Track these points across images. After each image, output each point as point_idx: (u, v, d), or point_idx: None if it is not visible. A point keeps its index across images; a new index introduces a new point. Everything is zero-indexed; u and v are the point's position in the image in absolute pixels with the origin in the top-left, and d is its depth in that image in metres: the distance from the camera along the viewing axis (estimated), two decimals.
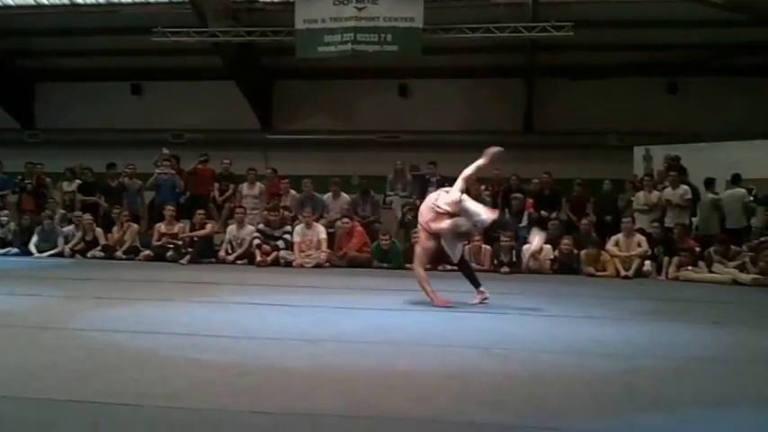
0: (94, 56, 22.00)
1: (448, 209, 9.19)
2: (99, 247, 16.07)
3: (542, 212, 16.43)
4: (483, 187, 16.06)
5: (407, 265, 14.43)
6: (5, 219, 17.21)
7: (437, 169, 17.39)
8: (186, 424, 4.39)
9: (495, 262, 14.67)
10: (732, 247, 14.32)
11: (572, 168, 18.53)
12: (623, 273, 14.08)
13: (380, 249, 15.19)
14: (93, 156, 19.44)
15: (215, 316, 8.28)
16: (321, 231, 15.35)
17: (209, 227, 16.08)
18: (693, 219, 16.26)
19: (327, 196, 17.15)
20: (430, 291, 9.32)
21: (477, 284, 9.74)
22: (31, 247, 16.28)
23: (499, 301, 9.75)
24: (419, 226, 9.46)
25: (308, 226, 15.31)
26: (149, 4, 19.61)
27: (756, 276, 13.15)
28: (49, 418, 4.41)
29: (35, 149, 21.11)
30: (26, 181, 18.19)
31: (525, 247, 14.78)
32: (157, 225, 16.26)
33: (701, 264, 13.99)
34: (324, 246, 15.21)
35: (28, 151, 20.51)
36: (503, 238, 14.69)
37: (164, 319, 8.04)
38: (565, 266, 14.55)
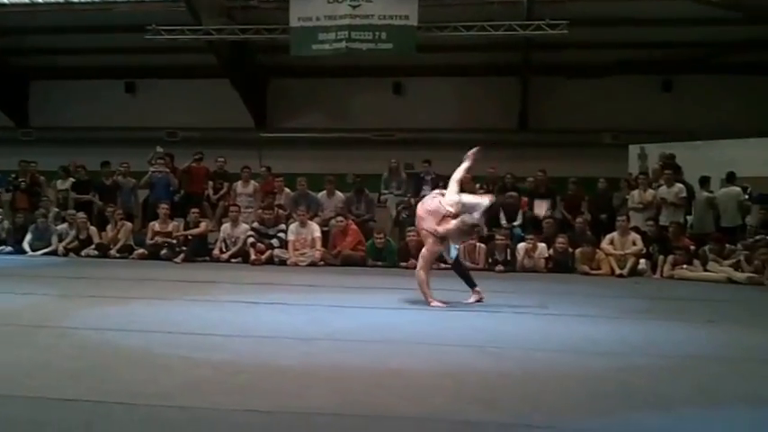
0: (88, 54, 21.95)
1: (452, 210, 9.21)
2: (93, 246, 16.04)
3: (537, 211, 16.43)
4: (478, 186, 16.05)
5: (402, 264, 14.52)
6: None
7: (432, 167, 17.41)
8: (180, 422, 4.39)
9: (490, 260, 14.67)
10: (727, 245, 14.33)
11: (567, 167, 18.54)
12: (618, 271, 14.09)
13: (375, 248, 15.18)
14: (88, 154, 19.43)
15: (209, 314, 8.27)
16: (315, 230, 15.32)
17: (203, 225, 16.05)
18: (688, 217, 16.29)
19: (322, 194, 17.13)
20: (428, 293, 9.31)
21: (472, 284, 9.74)
22: (25, 246, 16.23)
23: (494, 299, 9.74)
24: (423, 231, 9.38)
25: (303, 224, 15.29)
26: (143, 2, 19.52)
27: (751, 275, 13.15)
28: (43, 416, 4.41)
29: (29, 148, 21.09)
30: (20, 179, 18.16)
31: (520, 245, 14.83)
32: (151, 223, 16.22)
33: (696, 262, 13.99)
34: (318, 244, 15.19)
35: (22, 149, 20.51)
36: (497, 237, 14.69)
37: (158, 317, 8.04)
38: (559, 265, 14.55)
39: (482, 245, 14.70)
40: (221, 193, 17.63)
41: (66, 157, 19.29)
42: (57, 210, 17.49)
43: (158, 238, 15.76)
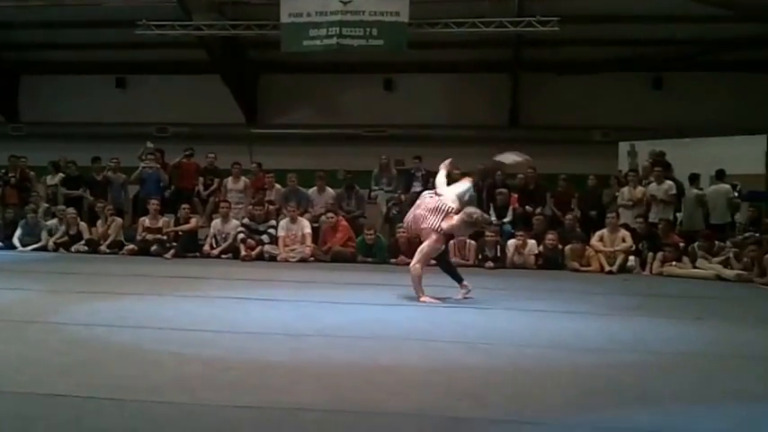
0: (79, 49, 21.91)
1: (454, 206, 9.28)
2: (83, 242, 15.99)
3: (527, 207, 16.44)
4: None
5: (392, 260, 14.52)
6: None
7: (422, 164, 17.38)
8: (169, 418, 4.39)
9: (480, 257, 14.68)
10: (716, 242, 14.37)
11: (557, 163, 18.52)
12: (607, 268, 14.12)
13: (365, 244, 15.17)
14: (78, 149, 19.39)
15: (199, 310, 8.27)
16: (306, 226, 15.32)
17: (193, 221, 16.03)
18: (678, 214, 16.32)
19: (312, 191, 17.12)
20: (420, 288, 9.32)
21: (459, 279, 9.77)
22: (15, 241, 16.17)
23: (484, 296, 9.77)
24: (425, 230, 9.38)
25: (293, 220, 15.28)
26: None
27: (740, 272, 13.19)
28: (33, 411, 4.42)
29: (19, 143, 20.98)
30: (10, 174, 18.09)
31: (510, 242, 14.84)
32: (141, 219, 16.18)
33: (686, 259, 14.03)
34: (308, 240, 15.18)
35: (12, 145, 20.40)
36: (487, 234, 14.69)
37: (148, 313, 8.04)
38: (549, 261, 14.56)
39: (472, 241, 14.69)
40: (212, 188, 17.59)
41: (57, 153, 19.26)
42: (46, 205, 17.42)
43: (148, 235, 15.72)
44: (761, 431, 4.56)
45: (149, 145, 17.92)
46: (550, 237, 14.74)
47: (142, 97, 22.63)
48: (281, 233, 15.18)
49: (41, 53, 22.68)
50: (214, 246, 15.52)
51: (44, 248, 15.95)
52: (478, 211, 9.75)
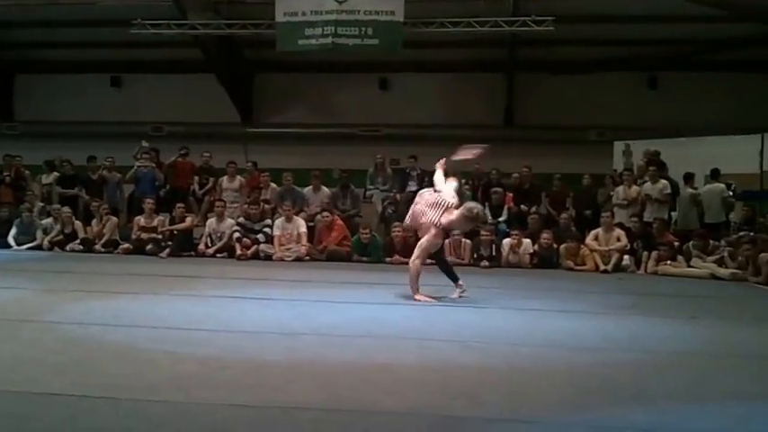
0: (74, 48, 21.90)
1: (454, 201, 9.30)
2: (78, 240, 15.98)
3: (522, 207, 16.46)
4: (463, 181, 16.07)
5: (387, 259, 14.53)
6: None
7: (417, 163, 17.39)
8: (164, 417, 4.39)
9: (475, 256, 14.67)
10: (711, 241, 14.38)
11: (552, 163, 18.56)
12: (602, 267, 14.14)
13: (360, 243, 15.18)
14: (73, 148, 19.33)
15: (194, 309, 8.27)
16: (301, 225, 15.33)
17: (188, 220, 16.04)
18: (672, 213, 16.31)
19: (308, 190, 17.11)
20: (416, 286, 9.34)
21: (455, 278, 9.78)
22: (10, 240, 16.14)
23: (479, 295, 9.78)
24: (424, 224, 9.39)
25: (288, 219, 15.28)
26: None
27: (734, 271, 13.20)
28: (27, 410, 4.41)
29: (14, 142, 20.93)
30: (5, 173, 18.05)
31: (505, 241, 14.84)
32: (137, 218, 16.18)
33: (680, 258, 14.04)
34: (304, 239, 15.19)
35: (6, 144, 20.34)
36: (483, 233, 14.69)
37: (143, 312, 8.02)
38: (544, 260, 14.58)
39: (467, 240, 14.71)
40: (207, 187, 17.58)
41: (52, 152, 19.21)
42: (42, 204, 17.41)
43: (143, 234, 15.71)
44: (755, 430, 4.56)
45: (144, 144, 17.92)
46: (545, 236, 14.76)
47: (137, 96, 22.62)
48: (276, 232, 15.19)
49: (36, 52, 22.65)
50: (209, 245, 15.51)
51: (39, 247, 15.94)
52: (479, 206, 9.88)
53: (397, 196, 16.90)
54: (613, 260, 14.21)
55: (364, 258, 14.93)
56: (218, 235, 15.53)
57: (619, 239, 14.54)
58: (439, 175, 9.88)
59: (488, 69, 21.28)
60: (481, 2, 17.78)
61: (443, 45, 19.86)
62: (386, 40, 17.55)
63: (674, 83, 20.88)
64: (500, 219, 16.26)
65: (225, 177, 17.29)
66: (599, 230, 14.80)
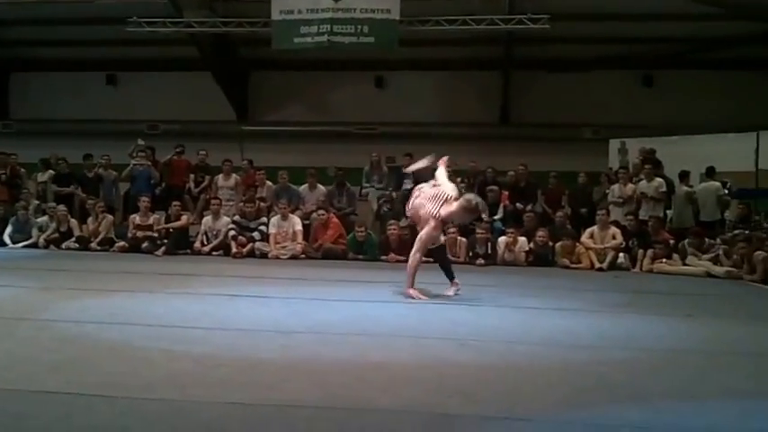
0: (70, 46, 21.88)
1: (453, 194, 9.31)
2: (73, 239, 15.96)
3: (518, 205, 16.48)
4: (459, 179, 16.07)
5: (383, 257, 14.53)
6: None
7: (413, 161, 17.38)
8: (159, 415, 4.39)
9: (471, 254, 14.67)
10: (706, 239, 14.39)
11: (548, 161, 18.56)
12: (598, 265, 14.14)
13: (356, 241, 15.17)
14: (69, 146, 19.30)
15: (190, 307, 8.26)
16: (297, 223, 15.32)
17: (184, 218, 16.02)
18: (668, 211, 16.36)
19: (303, 188, 17.13)
20: (412, 280, 9.34)
21: (451, 276, 9.80)
22: (5, 238, 16.13)
23: (474, 293, 9.78)
24: (423, 216, 9.40)
25: (284, 217, 15.27)
26: None
27: (730, 269, 13.21)
28: (23, 408, 4.40)
29: (9, 140, 20.92)
30: (0, 171, 18.03)
31: (501, 239, 14.84)
32: (132, 216, 16.16)
33: (675, 256, 14.06)
34: (299, 237, 15.18)
35: (2, 141, 20.34)
36: (478, 231, 14.70)
37: (138, 310, 8.01)
38: (540, 258, 14.58)
39: (463, 238, 14.72)
40: (202, 186, 17.57)
41: (47, 150, 19.17)
42: (37, 202, 17.39)
43: (139, 232, 15.69)
44: (751, 427, 4.56)
45: (140, 142, 17.94)
46: (541, 234, 14.76)
47: (133, 94, 22.59)
48: (272, 230, 15.18)
49: (32, 50, 22.62)
50: (205, 243, 15.50)
51: (34, 245, 15.92)
52: (478, 197, 9.89)
53: (393, 194, 16.91)
54: (609, 258, 14.22)
55: (360, 256, 14.93)
56: (214, 233, 15.51)
57: (614, 237, 14.56)
58: (441, 171, 9.89)
59: (484, 67, 21.28)
60: (477, 0, 17.80)
61: (439, 43, 19.86)
62: (382, 38, 17.56)
63: (669, 81, 20.89)
64: (496, 217, 16.26)
65: (220, 175, 17.27)
66: (594, 228, 14.81)
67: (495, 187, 16.55)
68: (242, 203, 16.10)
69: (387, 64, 21.33)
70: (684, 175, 16.42)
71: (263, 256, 14.89)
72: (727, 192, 16.61)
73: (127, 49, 21.12)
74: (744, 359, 6.37)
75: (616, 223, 15.08)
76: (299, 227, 15.24)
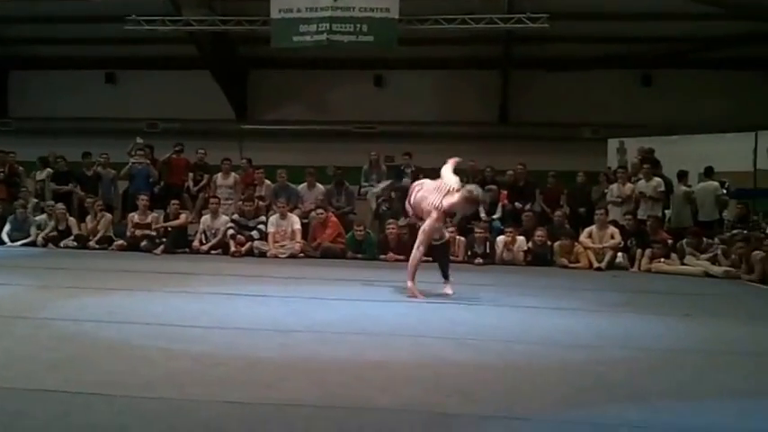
0: (69, 44, 21.89)
1: (455, 186, 9.32)
2: (72, 237, 15.96)
3: (516, 204, 16.49)
4: (458, 179, 16.06)
5: (381, 256, 14.53)
6: None
7: (412, 160, 17.40)
8: (158, 413, 4.38)
9: (469, 253, 14.68)
10: (704, 239, 14.39)
11: (546, 160, 18.58)
12: (596, 264, 14.15)
13: (355, 240, 15.17)
14: (68, 144, 19.34)
15: (188, 306, 8.25)
16: (295, 222, 15.31)
17: (183, 217, 16.01)
18: (666, 211, 16.35)
19: (302, 187, 17.13)
20: (413, 272, 9.35)
21: (446, 276, 9.80)
22: (4, 236, 16.13)
23: (473, 292, 9.79)
24: (425, 208, 9.39)
25: (283, 216, 15.27)
26: None
27: (728, 269, 13.22)
28: (21, 407, 4.39)
29: (7, 138, 20.92)
30: None
31: (499, 238, 14.84)
32: (131, 215, 16.16)
33: (674, 256, 14.07)
34: (298, 236, 15.17)
35: (0, 140, 20.35)
36: (477, 230, 14.71)
37: (137, 308, 8.00)
38: (538, 258, 14.58)
39: (461, 238, 14.74)
40: (201, 184, 17.57)
41: (46, 148, 19.19)
42: (36, 200, 17.38)
43: (137, 231, 15.68)
44: (749, 427, 4.56)
45: (139, 141, 17.93)
46: (539, 233, 14.76)
47: (132, 93, 22.61)
48: (270, 229, 15.17)
49: (30, 48, 22.64)
50: (204, 242, 15.50)
51: (33, 244, 15.92)
52: (479, 188, 9.85)
53: (392, 194, 16.88)
54: (607, 258, 14.23)
55: (358, 255, 14.93)
56: (213, 232, 15.51)
57: (613, 237, 14.56)
58: (447, 167, 9.86)
59: (483, 66, 21.29)
60: None
61: (438, 42, 19.86)
62: (381, 36, 17.56)
63: (668, 80, 20.91)
64: (494, 216, 16.26)
65: (219, 174, 17.28)
66: (593, 228, 14.81)
67: (493, 186, 16.54)
68: (241, 202, 16.10)
69: (386, 63, 21.34)
70: (683, 175, 16.42)
71: (262, 254, 14.89)
72: (725, 191, 16.62)
73: (126, 47, 21.12)
74: (742, 359, 6.37)
75: (614, 223, 15.08)
76: (297, 226, 15.23)
